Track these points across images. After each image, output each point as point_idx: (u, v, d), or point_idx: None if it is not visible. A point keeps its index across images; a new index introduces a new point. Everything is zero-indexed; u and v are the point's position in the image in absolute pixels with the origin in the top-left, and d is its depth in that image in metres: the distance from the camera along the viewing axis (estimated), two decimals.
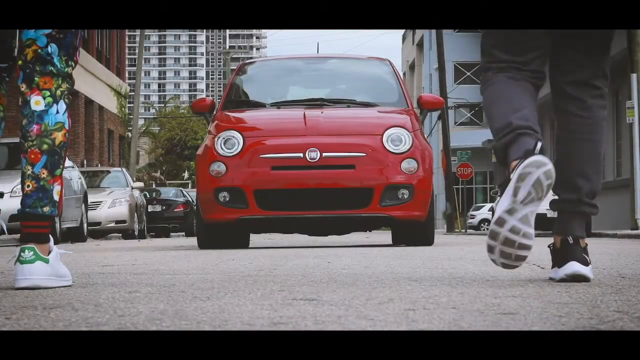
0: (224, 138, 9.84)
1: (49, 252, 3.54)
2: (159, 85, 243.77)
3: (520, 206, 3.41)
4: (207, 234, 10.14)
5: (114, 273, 4.74)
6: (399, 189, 9.74)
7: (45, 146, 3.55)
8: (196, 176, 10.30)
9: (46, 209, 3.55)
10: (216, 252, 8.26)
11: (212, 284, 3.78)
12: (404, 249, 8.74)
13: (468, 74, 58.41)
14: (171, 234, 32.95)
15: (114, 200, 23.43)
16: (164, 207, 32.49)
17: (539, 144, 3.47)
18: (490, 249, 3.51)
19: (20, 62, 3.63)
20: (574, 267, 3.64)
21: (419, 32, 71.04)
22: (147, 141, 75.49)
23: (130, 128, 43.52)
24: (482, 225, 43.91)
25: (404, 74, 75.37)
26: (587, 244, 3.81)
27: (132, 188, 24.84)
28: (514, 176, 3.41)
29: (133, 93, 43.22)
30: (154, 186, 50.58)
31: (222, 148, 9.80)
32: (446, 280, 3.88)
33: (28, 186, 3.55)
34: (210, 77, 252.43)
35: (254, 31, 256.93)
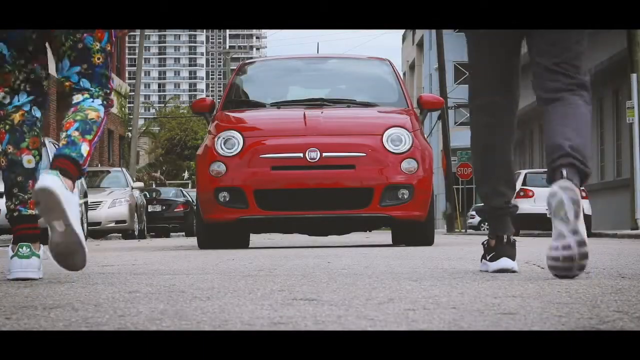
0: (224, 138, 9.84)
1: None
2: (159, 85, 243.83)
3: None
4: (207, 234, 10.14)
5: (114, 273, 4.74)
6: (399, 189, 9.74)
7: (78, 117, 4.03)
8: (196, 176, 10.30)
9: (74, 154, 3.95)
10: (216, 252, 8.26)
11: (212, 284, 3.78)
12: (404, 249, 8.74)
13: (468, 74, 58.39)
14: (171, 234, 32.95)
15: (114, 200, 23.43)
16: (164, 207, 32.49)
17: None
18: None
19: (65, 90, 4.16)
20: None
21: (419, 32, 71.05)
22: (147, 141, 75.50)
23: (130, 128, 43.53)
24: (482, 225, 43.91)
25: (404, 74, 75.37)
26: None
27: (132, 188, 24.84)
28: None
29: (133, 93, 43.22)
30: (154, 186, 50.59)
31: (222, 148, 9.80)
32: (446, 280, 3.88)
33: (61, 141, 4.02)
34: (210, 77, 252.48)
35: (254, 31, 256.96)
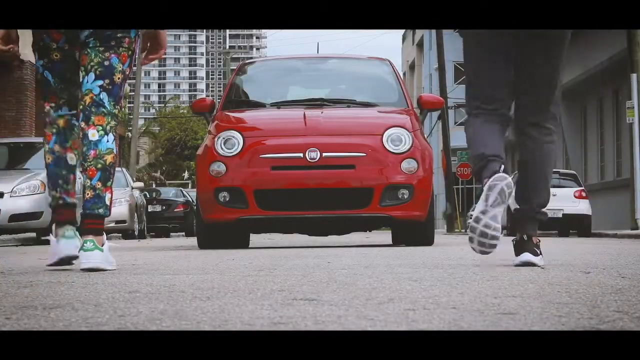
0: (224, 138, 9.84)
1: (103, 244, 4.92)
2: (159, 85, 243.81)
3: (491, 208, 4.77)
4: (207, 234, 10.14)
5: (114, 273, 4.74)
6: (399, 189, 9.73)
7: (99, 165, 4.95)
8: (196, 176, 10.30)
9: (101, 210, 5.01)
10: (216, 252, 8.26)
11: (212, 284, 3.78)
12: (404, 249, 8.74)
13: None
14: (171, 234, 32.94)
15: (114, 200, 23.42)
16: (164, 207, 32.49)
17: (502, 167, 4.87)
18: (471, 240, 4.85)
19: (81, 107, 4.98)
20: (526, 257, 4.96)
21: (419, 32, 71.03)
22: (147, 141, 75.53)
23: (130, 128, 43.47)
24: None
25: (404, 74, 75.34)
26: (539, 240, 5.11)
27: (132, 188, 24.83)
28: (485, 187, 4.77)
29: (133, 93, 43.16)
30: (154, 186, 50.59)
31: (222, 148, 9.80)
32: (446, 280, 3.88)
33: (87, 194, 5.01)
34: (210, 77, 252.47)
35: (254, 31, 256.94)
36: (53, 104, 5.20)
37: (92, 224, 4.98)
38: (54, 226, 5.27)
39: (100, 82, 4.95)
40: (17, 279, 4.28)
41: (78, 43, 4.96)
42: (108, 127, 4.94)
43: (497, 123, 5.10)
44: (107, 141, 4.94)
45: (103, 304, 2.90)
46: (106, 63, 4.94)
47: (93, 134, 4.93)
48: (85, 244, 4.89)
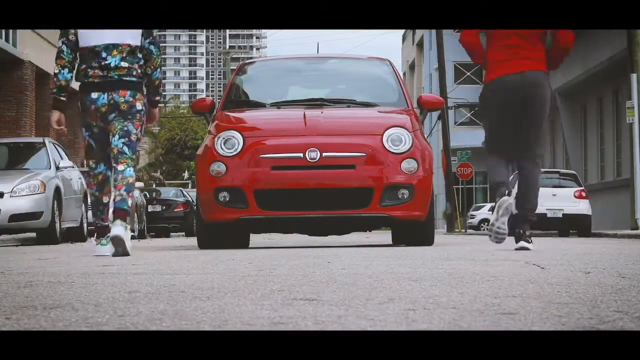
0: (224, 138, 9.83)
1: (127, 227, 7.53)
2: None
3: (500, 217, 7.96)
4: (207, 234, 10.14)
5: (114, 273, 4.74)
6: (399, 189, 9.73)
7: (124, 182, 7.72)
8: (196, 176, 10.30)
9: (125, 207, 7.61)
10: (216, 252, 8.26)
11: (212, 284, 3.79)
12: (404, 249, 8.74)
13: (468, 74, 58.40)
14: (171, 234, 32.94)
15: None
16: (164, 207, 32.49)
17: (507, 191, 7.97)
18: (490, 236, 8.17)
19: (112, 155, 7.81)
20: (522, 244, 7.97)
21: (419, 32, 71.05)
22: (147, 141, 75.50)
23: None
24: (482, 225, 43.91)
25: (404, 74, 75.34)
26: (531, 233, 8.21)
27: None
28: (497, 204, 7.97)
29: None
30: (154, 186, 50.59)
31: (222, 148, 9.80)
32: (446, 280, 3.88)
33: (117, 198, 7.66)
34: (210, 77, 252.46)
35: (254, 31, 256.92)
36: (94, 161, 8.05)
37: (121, 213, 7.58)
38: (95, 236, 8.04)
39: (123, 140, 7.77)
40: (17, 279, 4.28)
41: (108, 122, 7.78)
42: (129, 163, 7.78)
43: (504, 159, 8.27)
44: (129, 171, 7.77)
45: (103, 304, 2.90)
46: (125, 128, 7.78)
47: (121, 167, 7.75)
48: (115, 222, 7.49)
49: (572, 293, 3.15)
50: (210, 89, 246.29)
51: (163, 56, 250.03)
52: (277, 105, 10.79)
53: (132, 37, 7.70)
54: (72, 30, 7.63)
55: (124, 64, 7.69)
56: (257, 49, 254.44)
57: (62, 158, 17.71)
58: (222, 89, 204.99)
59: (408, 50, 78.52)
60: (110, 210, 7.81)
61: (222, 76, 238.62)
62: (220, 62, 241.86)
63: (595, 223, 26.93)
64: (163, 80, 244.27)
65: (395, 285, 3.60)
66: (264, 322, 2.36)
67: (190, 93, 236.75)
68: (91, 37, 7.65)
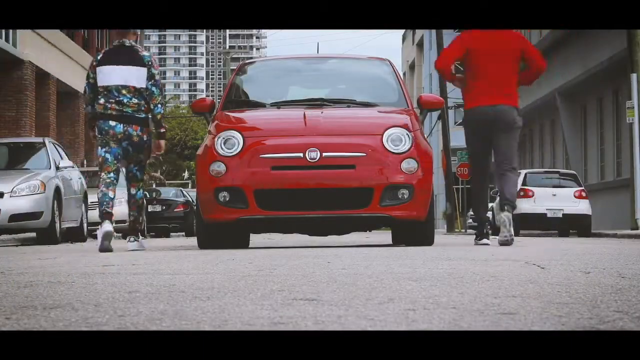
0: (224, 138, 9.83)
1: (139, 237, 9.96)
2: None
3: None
4: (207, 234, 10.14)
5: (114, 273, 4.74)
6: (399, 189, 9.72)
7: (136, 204, 10.18)
8: (196, 176, 10.29)
9: (137, 225, 10.23)
10: (216, 252, 8.26)
11: (212, 284, 3.78)
12: (404, 249, 8.74)
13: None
14: (171, 234, 32.94)
15: (114, 200, 23.40)
16: (164, 207, 32.48)
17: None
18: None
19: (126, 177, 10.13)
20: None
21: (419, 32, 71.04)
22: None
23: None
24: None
25: (404, 74, 75.33)
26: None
27: None
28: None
29: None
30: (154, 186, 50.58)
31: (222, 148, 9.79)
32: (446, 280, 3.88)
33: (131, 217, 10.22)
34: (210, 77, 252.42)
35: (254, 31, 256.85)
36: (107, 171, 9.77)
37: (133, 231, 10.16)
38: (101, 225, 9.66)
39: (136, 167, 10.08)
40: (17, 279, 4.28)
41: (122, 147, 9.80)
42: (140, 186, 10.15)
43: (484, 173, 10.51)
44: (139, 194, 10.16)
45: (103, 304, 2.90)
46: (137, 158, 10.00)
47: (133, 191, 10.14)
48: (130, 238, 10.02)
49: (572, 293, 3.15)
50: (210, 89, 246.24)
51: (163, 56, 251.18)
52: (277, 105, 10.78)
53: (137, 80, 9.70)
54: (92, 75, 9.80)
55: (135, 101, 9.71)
56: (257, 49, 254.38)
57: (62, 158, 17.71)
58: (222, 89, 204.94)
59: (408, 50, 78.52)
60: (128, 224, 10.45)
61: (222, 76, 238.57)
62: (220, 62, 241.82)
63: (595, 223, 26.93)
64: (163, 81, 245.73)
65: (395, 285, 3.60)
66: (264, 322, 2.36)
67: (190, 93, 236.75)
68: (105, 79, 9.71)
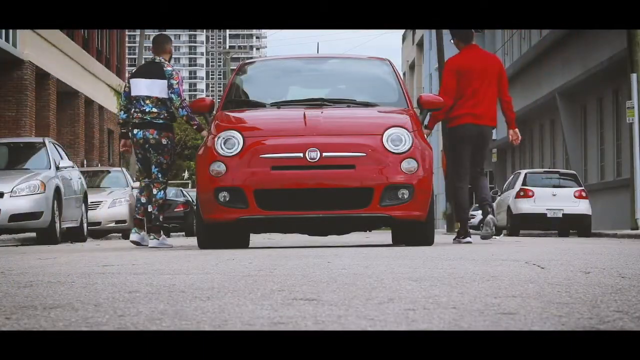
0: (224, 138, 9.83)
1: (160, 236, 11.28)
2: None
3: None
4: (207, 234, 10.14)
5: (114, 273, 4.74)
6: (399, 189, 9.72)
7: (157, 203, 11.20)
8: (196, 176, 10.29)
9: (157, 223, 11.28)
10: (216, 252, 8.26)
11: (212, 284, 3.78)
12: (404, 249, 8.74)
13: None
14: (171, 234, 32.94)
15: (114, 200, 23.44)
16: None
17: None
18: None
19: (150, 180, 11.28)
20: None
21: (419, 32, 71.03)
22: None
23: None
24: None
25: (404, 74, 75.33)
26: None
27: (132, 188, 24.84)
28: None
29: None
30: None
31: (222, 148, 9.79)
32: (446, 280, 3.88)
33: (153, 215, 11.23)
34: (210, 77, 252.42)
35: (254, 31, 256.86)
36: (142, 178, 11.40)
37: (154, 228, 11.09)
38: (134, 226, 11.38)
39: (157, 169, 11.20)
40: (17, 279, 4.28)
41: (145, 150, 11.22)
42: (160, 187, 11.21)
43: (468, 180, 12.01)
44: (160, 194, 11.19)
45: (103, 304, 2.90)
46: (158, 160, 11.19)
47: (154, 191, 11.16)
48: (150, 236, 11.08)
49: (572, 293, 3.15)
50: (210, 89, 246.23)
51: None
52: (277, 105, 10.78)
53: (159, 91, 11.19)
54: (127, 84, 11.36)
55: (155, 110, 11.18)
56: (257, 49, 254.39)
57: (62, 158, 17.71)
58: (222, 89, 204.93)
59: (408, 50, 78.51)
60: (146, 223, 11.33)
61: (222, 76, 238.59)
62: (220, 62, 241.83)
63: (595, 223, 26.93)
64: None
65: (395, 285, 3.60)
66: (264, 322, 2.36)
67: (190, 93, 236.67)
68: (135, 90, 11.22)
